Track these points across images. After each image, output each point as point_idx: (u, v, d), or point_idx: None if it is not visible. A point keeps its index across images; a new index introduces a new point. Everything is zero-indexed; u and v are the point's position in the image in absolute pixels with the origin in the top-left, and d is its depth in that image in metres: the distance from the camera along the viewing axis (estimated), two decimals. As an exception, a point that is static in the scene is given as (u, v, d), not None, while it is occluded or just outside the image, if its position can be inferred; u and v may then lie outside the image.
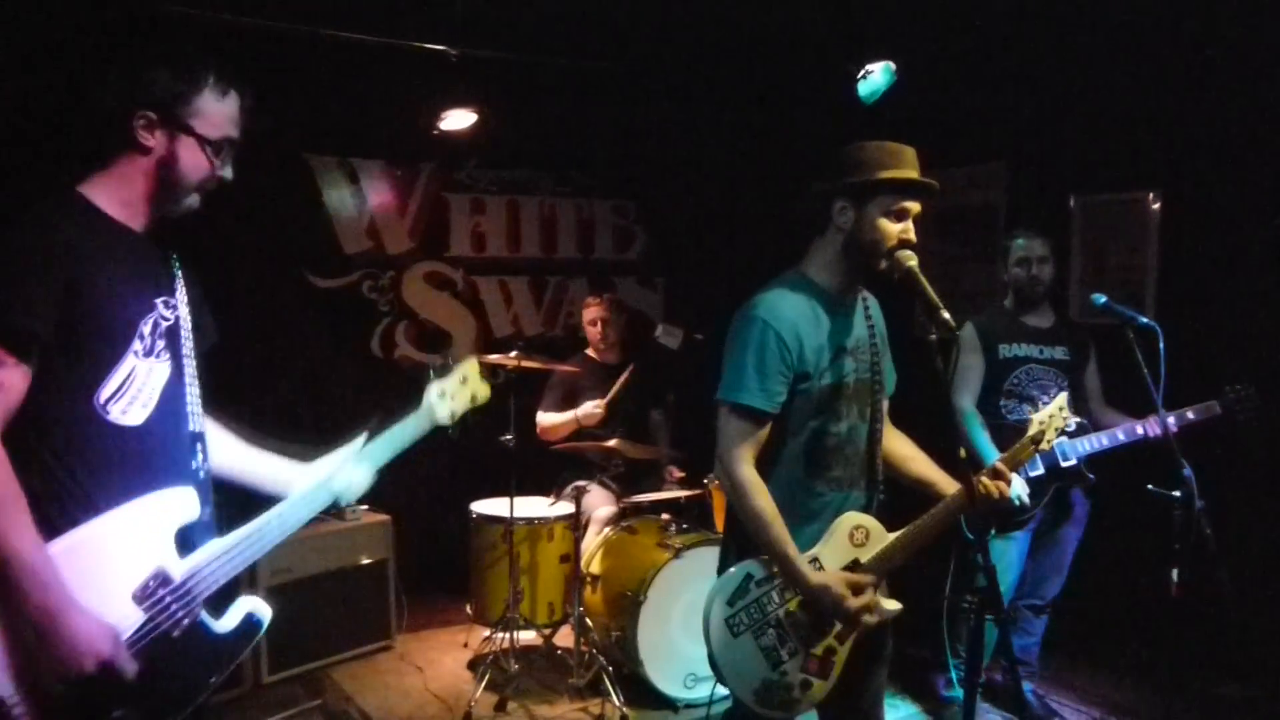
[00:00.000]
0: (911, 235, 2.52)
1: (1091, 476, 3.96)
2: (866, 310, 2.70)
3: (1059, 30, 4.88)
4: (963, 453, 2.44)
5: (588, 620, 4.56)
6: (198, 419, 2.17)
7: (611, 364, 5.36)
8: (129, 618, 1.93)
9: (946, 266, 5.89)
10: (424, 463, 5.66)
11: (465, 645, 5.15)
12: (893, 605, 2.64)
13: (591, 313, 5.36)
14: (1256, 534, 4.21)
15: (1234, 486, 3.97)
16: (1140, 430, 3.84)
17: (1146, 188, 4.92)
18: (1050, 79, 5.12)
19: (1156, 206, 4.89)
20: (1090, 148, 5.08)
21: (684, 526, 4.60)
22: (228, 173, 2.13)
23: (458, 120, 5.72)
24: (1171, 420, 3.59)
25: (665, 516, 4.70)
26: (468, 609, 5.00)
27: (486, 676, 4.44)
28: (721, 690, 2.62)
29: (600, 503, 4.98)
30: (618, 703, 4.25)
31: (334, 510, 4.36)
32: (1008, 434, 3.82)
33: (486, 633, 4.86)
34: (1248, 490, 4.24)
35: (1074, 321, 4.40)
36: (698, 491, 4.93)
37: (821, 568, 2.54)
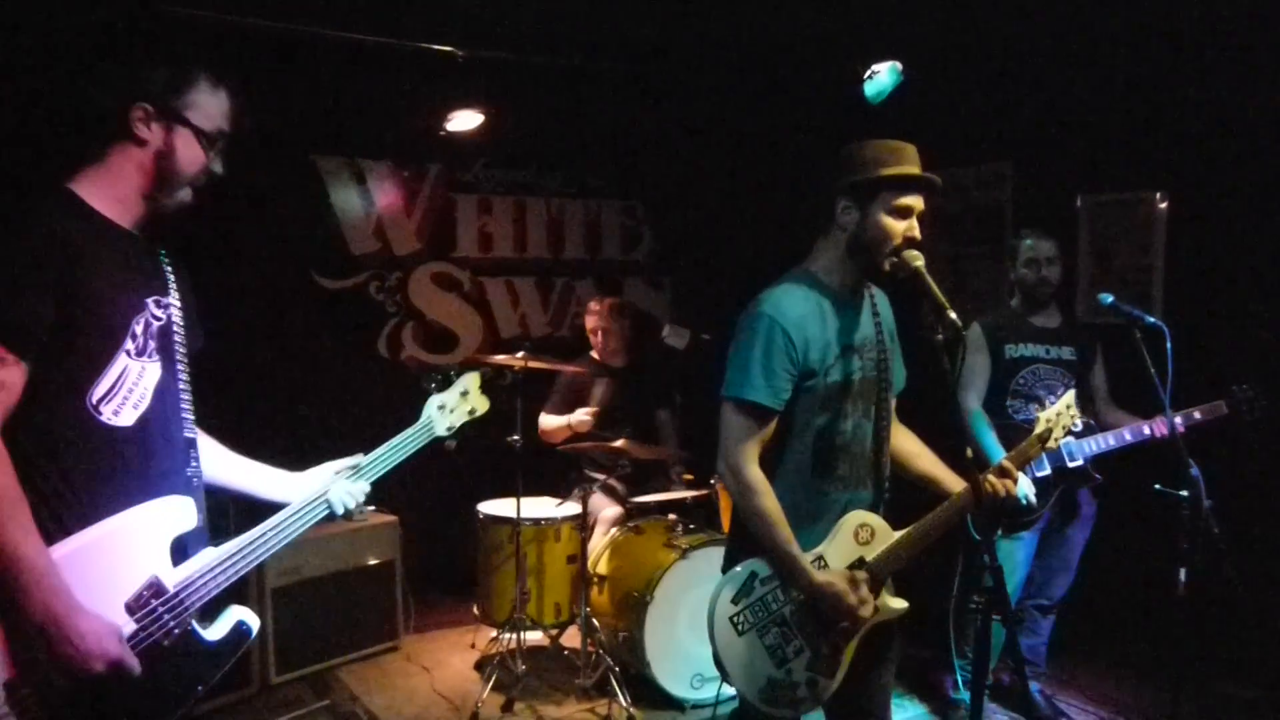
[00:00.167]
0: (916, 233, 2.51)
1: (1098, 477, 3.96)
2: (874, 307, 2.69)
3: (1065, 30, 4.87)
4: (969, 452, 2.43)
5: (594, 621, 4.56)
6: (190, 424, 2.16)
7: (617, 367, 5.37)
8: (122, 628, 1.93)
9: (953, 266, 5.89)
10: (431, 464, 5.64)
11: (472, 646, 5.15)
12: (899, 604, 2.64)
13: (591, 321, 5.37)
14: (1264, 533, 4.19)
15: (1242, 486, 3.95)
16: (1147, 430, 3.84)
17: (1153, 187, 4.90)
18: (1057, 78, 5.11)
19: (1164, 206, 4.88)
20: (1097, 147, 5.07)
21: (691, 527, 4.60)
22: (219, 167, 2.13)
23: (465, 121, 5.74)
24: (1179, 420, 3.58)
25: (672, 517, 4.70)
26: (474, 609, 5.01)
27: (493, 677, 4.45)
28: (728, 690, 2.63)
29: (607, 503, 4.99)
30: (624, 703, 4.25)
31: (340, 516, 4.38)
32: (1014, 434, 3.81)
33: (493, 633, 4.87)
34: (1255, 490, 4.22)
35: (1081, 321, 4.40)
36: (704, 492, 4.93)
37: (826, 566, 2.54)
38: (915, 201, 2.52)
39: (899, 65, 4.90)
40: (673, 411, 5.48)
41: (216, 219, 5.24)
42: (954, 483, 2.68)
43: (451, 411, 2.49)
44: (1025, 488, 3.78)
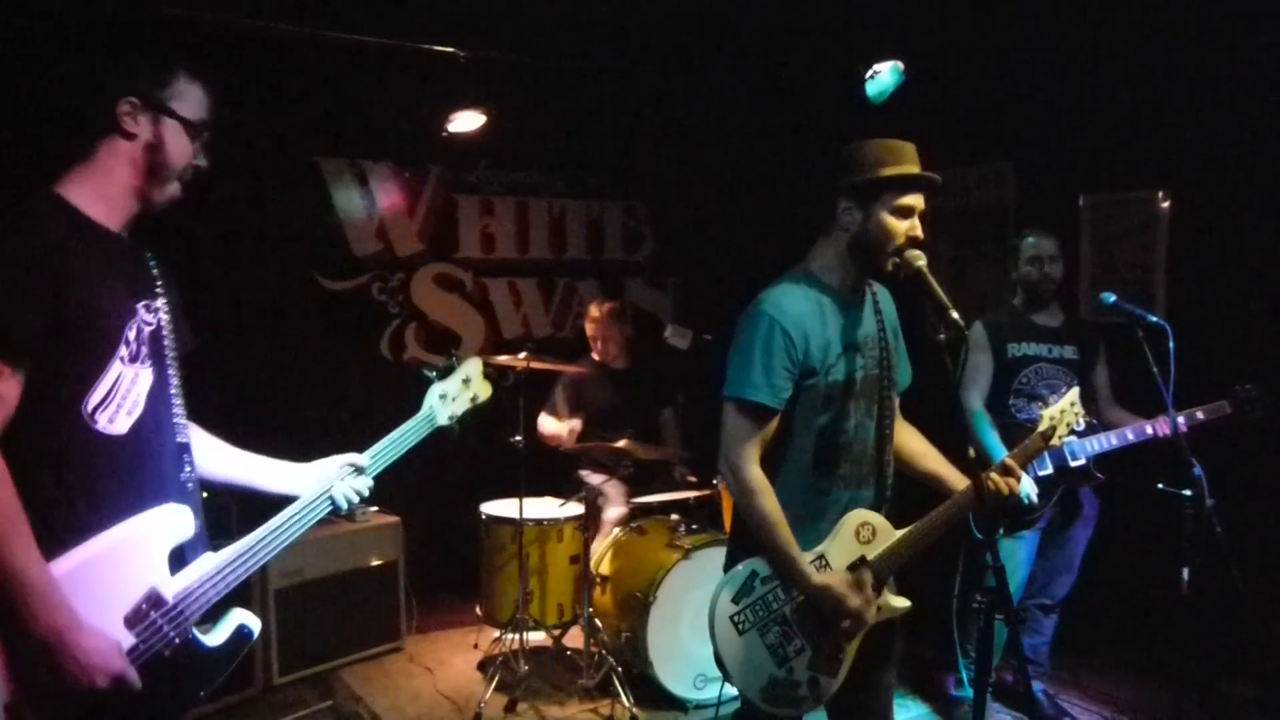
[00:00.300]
0: (919, 232, 2.51)
1: (1100, 476, 3.95)
2: (876, 304, 2.69)
3: (1067, 28, 4.87)
4: (971, 452, 2.43)
5: (597, 621, 4.56)
6: (183, 429, 2.14)
7: (618, 369, 5.37)
8: (122, 643, 1.91)
9: (955, 266, 5.88)
10: (433, 464, 5.67)
11: (475, 646, 5.16)
12: (901, 603, 2.64)
13: (590, 328, 5.38)
14: (1267, 533, 4.19)
15: (1244, 486, 3.95)
16: (1149, 430, 3.83)
17: (1156, 186, 4.90)
18: (1058, 78, 5.11)
19: (1166, 205, 4.87)
20: (1099, 146, 5.06)
21: (693, 527, 4.60)
22: (203, 160, 2.12)
23: (467, 122, 5.74)
24: (1181, 420, 3.58)
25: (674, 517, 4.70)
26: (477, 610, 5.01)
27: (496, 677, 4.45)
28: (731, 691, 2.63)
29: (610, 504, 4.99)
30: (627, 703, 4.25)
31: (344, 513, 4.38)
32: (1016, 433, 3.81)
33: (496, 634, 4.87)
34: (1258, 489, 4.21)
35: (1083, 320, 4.39)
36: (707, 492, 4.93)
37: (827, 565, 2.54)
38: (917, 201, 2.52)
39: (900, 65, 4.90)
40: (675, 412, 5.48)
41: (219, 220, 5.26)
42: (958, 481, 2.68)
43: (454, 400, 2.47)
44: (1027, 487, 3.78)
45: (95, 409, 1.93)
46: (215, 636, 2.10)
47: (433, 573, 5.67)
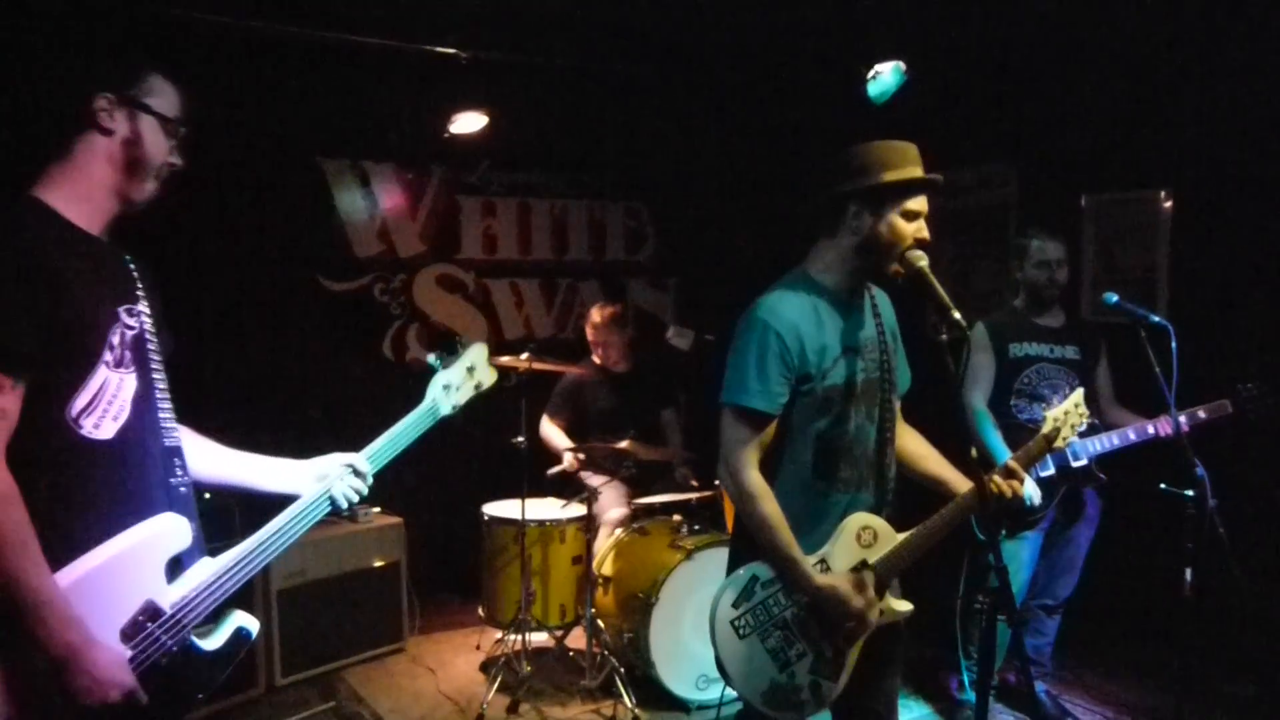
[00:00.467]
0: (925, 234, 2.52)
1: (1102, 476, 3.95)
2: (875, 307, 2.69)
3: (1069, 29, 4.87)
4: (974, 452, 2.43)
5: (599, 622, 4.57)
6: (172, 433, 2.12)
7: (619, 372, 5.37)
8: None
9: (957, 266, 5.88)
10: (436, 465, 5.70)
11: (477, 647, 5.16)
12: (904, 606, 2.63)
13: (591, 334, 5.37)
14: (1270, 533, 4.19)
15: (1247, 485, 3.95)
16: (1151, 430, 3.83)
17: (1158, 186, 4.90)
18: (1061, 78, 5.11)
19: (1168, 205, 4.87)
20: (1101, 146, 5.06)
21: (695, 528, 4.60)
22: (178, 158, 2.09)
23: (468, 123, 5.74)
24: (1183, 420, 3.58)
25: (677, 518, 4.70)
26: (480, 611, 5.01)
27: (499, 678, 4.45)
28: (733, 692, 2.62)
29: (612, 504, 4.99)
30: (630, 704, 4.25)
31: (345, 513, 4.38)
32: (1018, 433, 3.82)
33: (498, 635, 4.88)
34: (1261, 489, 4.21)
35: (1085, 320, 4.39)
36: (709, 493, 4.93)
37: (829, 569, 2.54)
38: (923, 204, 2.52)
39: (902, 65, 4.90)
40: (677, 412, 5.48)
41: (221, 222, 5.27)
42: (961, 483, 2.67)
43: (457, 389, 2.45)
44: (1029, 489, 3.77)
45: (80, 415, 1.90)
46: (213, 640, 2.09)
47: (435, 573, 5.67)
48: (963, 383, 3.93)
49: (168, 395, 2.13)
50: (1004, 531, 3.89)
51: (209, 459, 2.30)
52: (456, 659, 5.05)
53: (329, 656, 4.80)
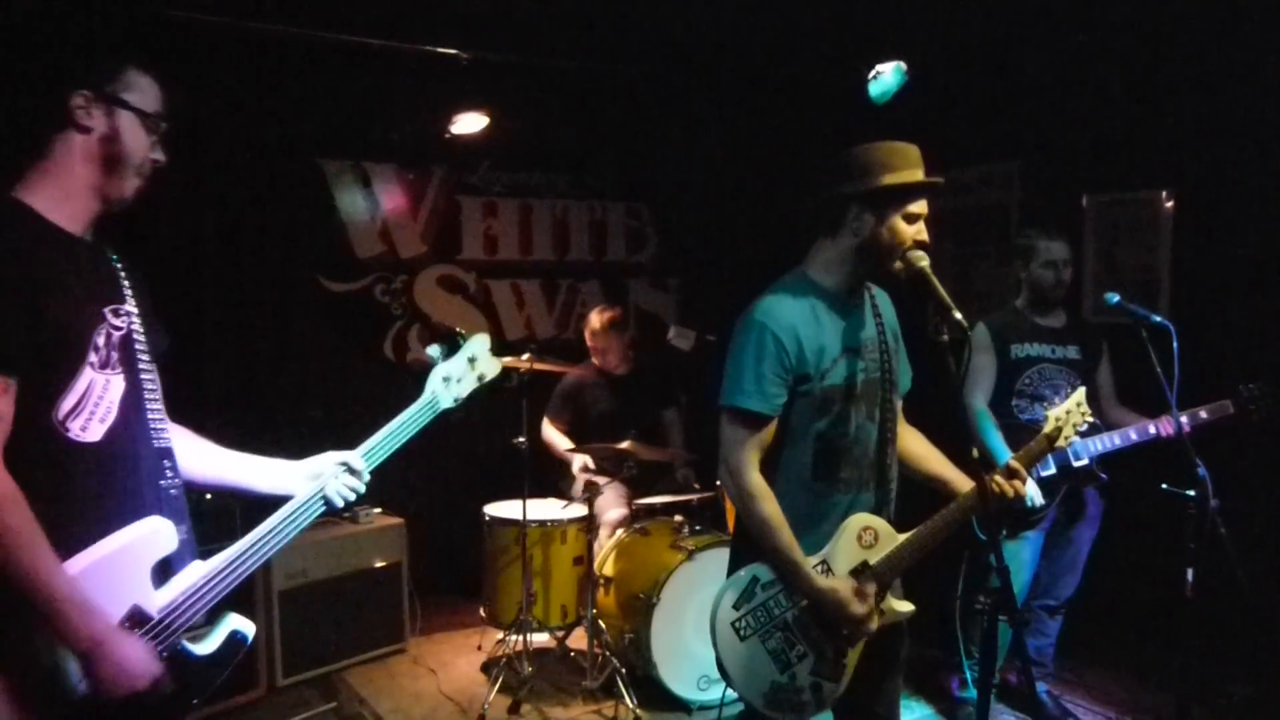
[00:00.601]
0: (925, 235, 2.51)
1: (1104, 476, 3.95)
2: (875, 307, 2.68)
3: (1070, 28, 4.87)
4: (975, 452, 2.43)
5: (601, 622, 4.56)
6: (163, 434, 2.09)
7: (619, 374, 5.36)
8: None
9: (958, 266, 5.88)
10: (437, 466, 5.71)
11: (479, 648, 5.16)
12: (906, 606, 2.63)
13: (590, 339, 5.37)
14: (1272, 533, 4.18)
15: (1249, 486, 3.94)
16: (1153, 430, 3.83)
17: (1159, 186, 4.89)
18: (1062, 78, 5.10)
19: (1169, 205, 4.87)
20: (1102, 146, 5.06)
21: (697, 528, 4.60)
22: (160, 154, 2.07)
23: (469, 123, 5.75)
24: (1185, 420, 3.58)
25: (678, 518, 4.69)
26: (481, 612, 5.01)
27: (500, 679, 4.45)
28: (734, 693, 2.62)
29: (613, 505, 4.99)
30: (631, 705, 4.25)
31: (346, 513, 4.37)
32: (1019, 434, 3.81)
33: (500, 635, 4.88)
34: (1262, 489, 4.21)
35: (1086, 321, 4.39)
36: (710, 493, 4.93)
37: (830, 570, 2.53)
38: (924, 206, 2.52)
39: (903, 65, 4.90)
40: (678, 413, 5.48)
41: (222, 222, 5.27)
42: (963, 484, 2.67)
43: (458, 381, 2.42)
44: (1030, 489, 3.77)
45: (66, 417, 1.89)
46: (207, 644, 2.06)
47: (436, 574, 5.67)
48: (964, 383, 3.93)
49: (158, 395, 2.11)
50: (1005, 532, 3.89)
51: (201, 460, 2.28)
52: (458, 659, 5.05)
53: (330, 657, 4.80)
